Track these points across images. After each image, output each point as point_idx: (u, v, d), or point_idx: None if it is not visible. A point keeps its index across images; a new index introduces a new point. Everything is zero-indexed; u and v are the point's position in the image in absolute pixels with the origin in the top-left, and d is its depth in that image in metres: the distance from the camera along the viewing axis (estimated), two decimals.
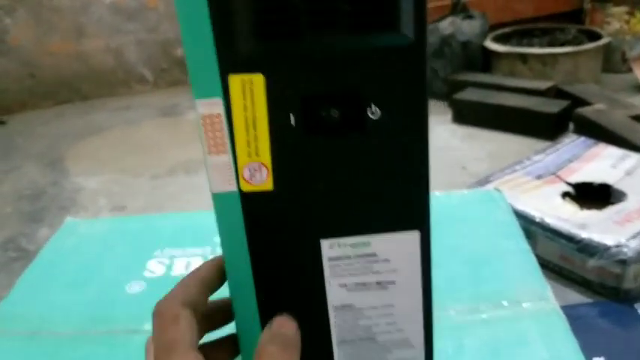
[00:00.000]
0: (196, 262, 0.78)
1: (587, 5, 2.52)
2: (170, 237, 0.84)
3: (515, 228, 0.77)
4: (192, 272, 0.38)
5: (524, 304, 0.63)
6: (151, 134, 2.15)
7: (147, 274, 0.77)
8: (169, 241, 0.83)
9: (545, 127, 1.71)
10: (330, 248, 0.37)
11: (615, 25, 2.32)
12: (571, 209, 1.14)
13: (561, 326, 0.59)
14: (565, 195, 1.20)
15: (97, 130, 2.23)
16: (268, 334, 0.36)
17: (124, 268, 0.78)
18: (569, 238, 1.04)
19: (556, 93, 1.87)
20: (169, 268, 0.78)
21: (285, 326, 0.36)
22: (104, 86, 2.69)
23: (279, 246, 0.37)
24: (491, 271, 0.69)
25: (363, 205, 0.36)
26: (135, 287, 0.74)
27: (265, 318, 0.38)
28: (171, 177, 1.66)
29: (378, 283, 0.38)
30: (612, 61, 2.24)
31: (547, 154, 1.36)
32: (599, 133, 1.51)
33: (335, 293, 0.38)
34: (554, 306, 0.62)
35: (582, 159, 1.32)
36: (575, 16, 2.60)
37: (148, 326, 0.67)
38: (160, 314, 0.35)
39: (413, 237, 0.37)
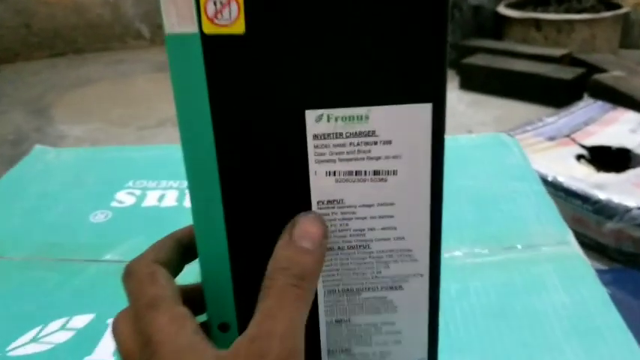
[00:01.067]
0: (171, 196, 0.70)
1: None
2: (145, 168, 0.77)
3: (529, 171, 0.69)
4: (168, 234, 0.34)
5: (543, 248, 0.54)
6: (143, 88, 2.07)
7: (114, 204, 0.70)
8: (144, 173, 0.76)
9: (557, 95, 1.62)
10: (316, 122, 0.29)
11: None
12: (586, 171, 1.06)
13: (586, 272, 0.51)
14: (579, 157, 1.12)
15: (87, 81, 2.15)
16: (285, 253, 0.29)
17: (91, 196, 0.71)
18: (585, 199, 0.96)
19: (570, 62, 1.78)
20: (140, 199, 0.70)
21: (308, 235, 0.30)
22: (99, 40, 2.60)
23: (249, 115, 0.28)
24: (501, 212, 0.61)
25: (362, 65, 0.28)
26: (99, 217, 0.66)
27: (233, 225, 0.30)
28: (159, 129, 1.58)
29: (376, 172, 0.30)
30: (631, 35, 2.16)
31: (560, 117, 1.28)
32: (618, 99, 1.43)
33: (320, 185, 0.30)
34: (576, 251, 0.54)
35: (599, 123, 1.24)
36: None
37: (108, 256, 0.60)
38: (132, 274, 0.31)
39: (424, 112, 0.29)
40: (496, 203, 0.62)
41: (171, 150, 0.82)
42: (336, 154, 0.30)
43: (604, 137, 1.16)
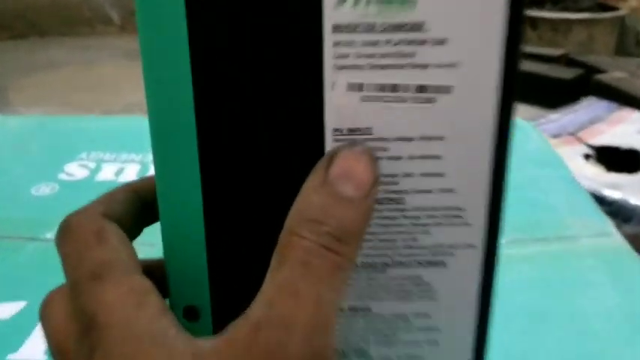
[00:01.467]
0: (132, 170, 0.61)
1: None
2: (102, 140, 0.68)
3: (553, 155, 0.61)
4: (123, 184, 0.26)
5: (582, 240, 0.45)
6: (109, 74, 1.98)
7: (63, 176, 0.60)
8: (100, 144, 0.67)
9: (555, 95, 1.55)
10: (337, 6, 0.20)
11: (632, 1, 2.17)
12: (596, 171, 0.98)
13: (637, 267, 0.42)
14: (587, 157, 1.05)
15: (50, 65, 2.04)
16: (317, 199, 0.20)
17: (35, 167, 0.61)
18: (599, 200, 0.88)
19: (567, 62, 1.72)
20: (94, 172, 0.60)
21: (353, 177, 0.21)
22: (65, 23, 2.48)
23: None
24: (528, 201, 0.52)
25: None
26: (43, 189, 0.56)
27: (211, 168, 0.22)
28: (125, 114, 1.48)
29: (421, 89, 0.21)
30: (626, 42, 2.10)
31: (564, 114, 1.21)
32: (620, 99, 1.36)
33: (339, 103, 0.21)
34: (622, 243, 0.45)
35: (607, 122, 1.17)
36: None
37: (49, 235, 0.50)
38: (71, 232, 0.23)
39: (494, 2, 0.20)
40: (522, 191, 0.53)
41: (134, 121, 0.72)
42: (365, 57, 0.21)
43: (612, 137, 1.10)
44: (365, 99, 0.21)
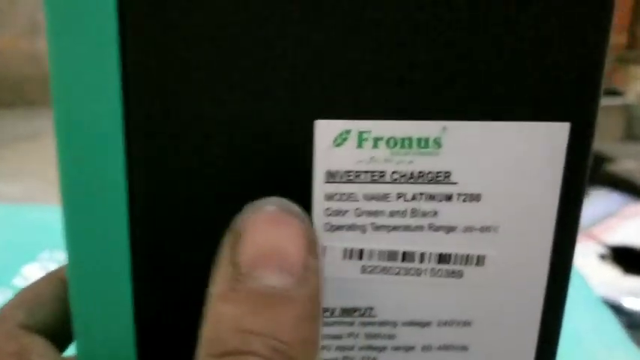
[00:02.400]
0: None
1: (608, 65, 2.38)
2: None
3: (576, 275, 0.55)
4: (48, 273, 0.22)
5: None
6: None
7: (18, 281, 0.53)
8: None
9: None
10: (334, 146, 0.15)
11: (639, 86, 2.16)
12: (613, 274, 0.94)
13: None
14: (602, 257, 1.01)
15: (34, 136, 2.00)
16: (227, 311, 0.14)
17: None
18: (617, 310, 0.83)
19: None
20: None
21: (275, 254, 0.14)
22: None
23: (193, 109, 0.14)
24: None
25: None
26: None
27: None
28: None
29: (444, 259, 0.16)
30: (634, 127, 2.08)
31: None
32: (632, 192, 1.33)
33: (331, 276, 0.15)
34: None
35: (618, 216, 1.13)
36: None
37: None
38: None
39: (556, 138, 0.15)
40: None
41: None
42: (368, 215, 0.15)
43: (625, 234, 1.05)
44: (367, 270, 0.16)
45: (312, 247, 0.14)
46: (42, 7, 0.14)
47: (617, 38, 2.42)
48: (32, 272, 0.55)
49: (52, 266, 0.56)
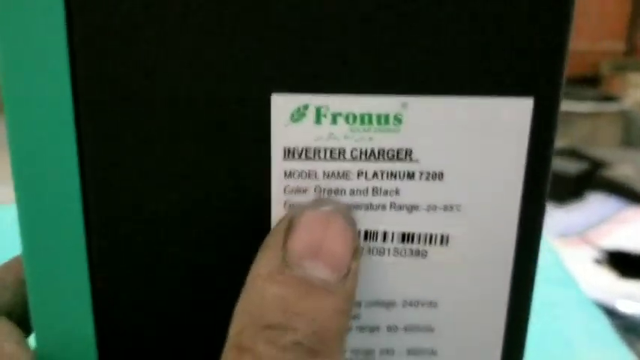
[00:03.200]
0: None
1: (605, 72, 2.38)
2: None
3: (564, 272, 0.55)
4: (11, 259, 0.20)
5: None
6: None
7: None
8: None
9: (558, 192, 1.50)
10: (291, 122, 0.15)
11: (637, 93, 2.17)
12: (609, 278, 0.94)
13: None
14: (598, 262, 1.01)
15: None
16: (274, 291, 0.15)
17: None
18: (611, 313, 0.83)
19: (569, 154, 1.68)
20: None
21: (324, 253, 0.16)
22: None
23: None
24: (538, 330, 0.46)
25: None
26: None
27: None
28: None
29: (406, 237, 0.16)
30: (631, 133, 2.08)
31: (569, 212, 1.17)
32: (628, 197, 1.32)
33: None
34: None
35: (614, 221, 1.13)
36: (591, 83, 2.46)
37: None
38: None
39: (520, 114, 0.15)
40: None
41: None
42: (329, 193, 0.15)
43: (620, 238, 1.06)
44: None
45: (356, 252, 0.15)
46: None
47: (614, 45, 2.43)
48: None
49: None
